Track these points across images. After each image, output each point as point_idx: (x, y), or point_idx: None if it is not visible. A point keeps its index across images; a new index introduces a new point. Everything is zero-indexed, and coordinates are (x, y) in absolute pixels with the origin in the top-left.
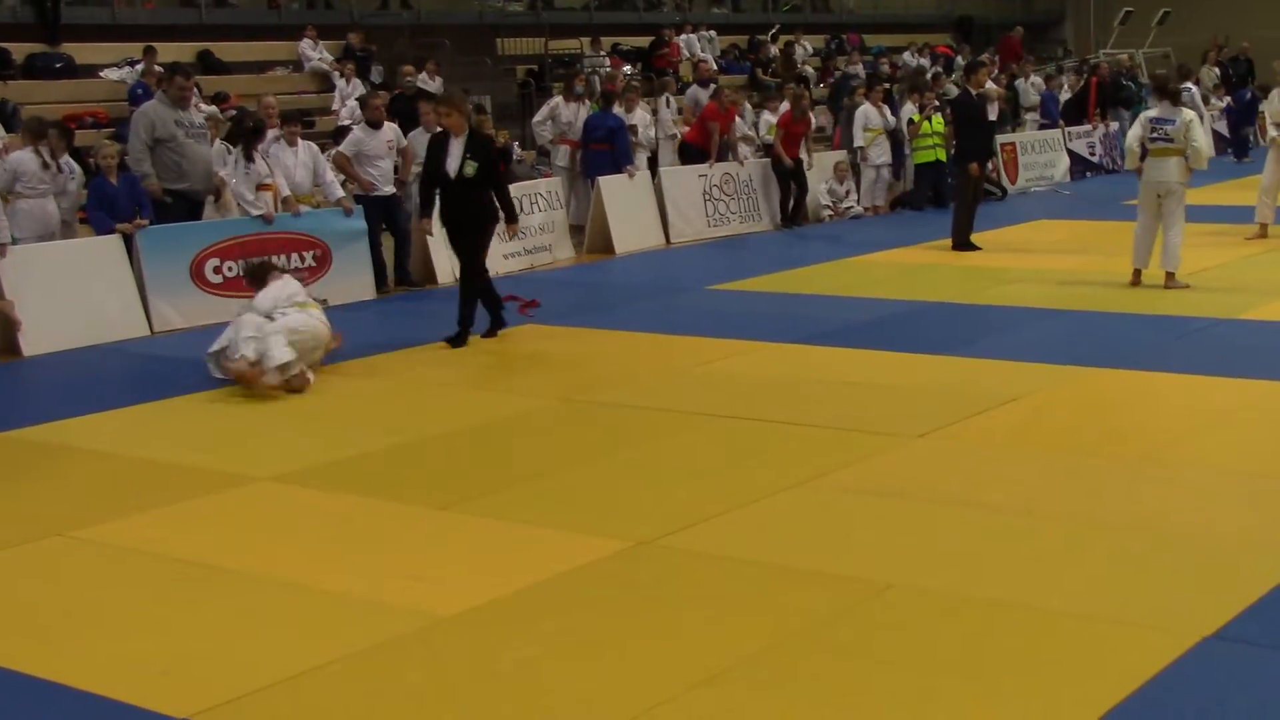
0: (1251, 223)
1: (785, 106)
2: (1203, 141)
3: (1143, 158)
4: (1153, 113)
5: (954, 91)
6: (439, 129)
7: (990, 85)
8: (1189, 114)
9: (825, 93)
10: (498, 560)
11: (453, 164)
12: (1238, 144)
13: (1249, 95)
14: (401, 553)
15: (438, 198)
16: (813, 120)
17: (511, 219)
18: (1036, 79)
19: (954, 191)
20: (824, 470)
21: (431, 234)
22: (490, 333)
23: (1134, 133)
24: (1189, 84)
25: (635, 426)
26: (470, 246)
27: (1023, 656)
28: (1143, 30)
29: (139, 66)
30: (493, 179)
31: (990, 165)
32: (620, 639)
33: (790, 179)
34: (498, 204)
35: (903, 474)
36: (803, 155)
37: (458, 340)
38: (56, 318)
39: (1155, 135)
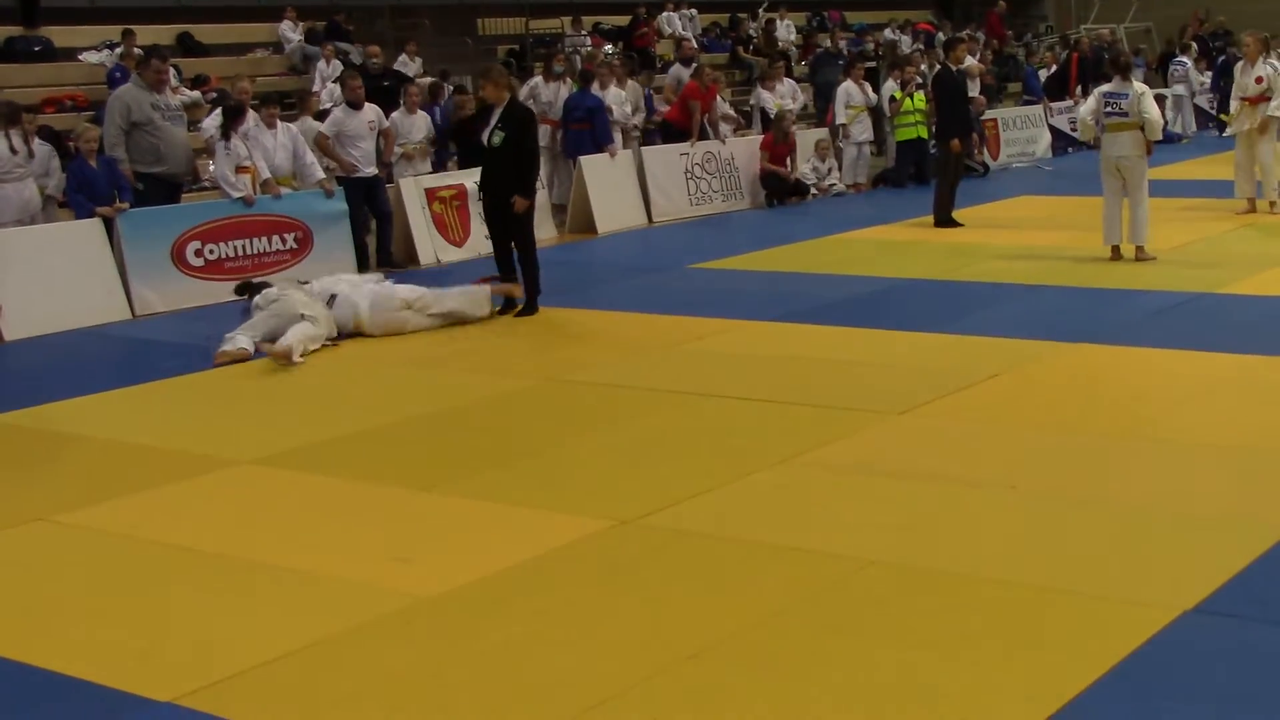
0: (1229, 197)
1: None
2: (1154, 113)
3: (1101, 132)
4: (1107, 87)
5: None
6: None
7: (971, 61)
8: (1140, 87)
9: (806, 70)
10: (480, 541)
11: (486, 133)
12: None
13: (1222, 60)
14: (384, 534)
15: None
16: (795, 139)
17: (522, 192)
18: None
19: (935, 168)
20: (805, 448)
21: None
22: (522, 313)
23: (1088, 106)
24: (1183, 58)
25: (617, 405)
26: (516, 220)
27: (1005, 632)
28: (1124, 5)
29: (118, 50)
30: (519, 150)
31: (974, 141)
32: (603, 617)
33: (789, 193)
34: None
35: (884, 451)
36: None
37: (529, 309)
38: (37, 302)
39: (1110, 110)
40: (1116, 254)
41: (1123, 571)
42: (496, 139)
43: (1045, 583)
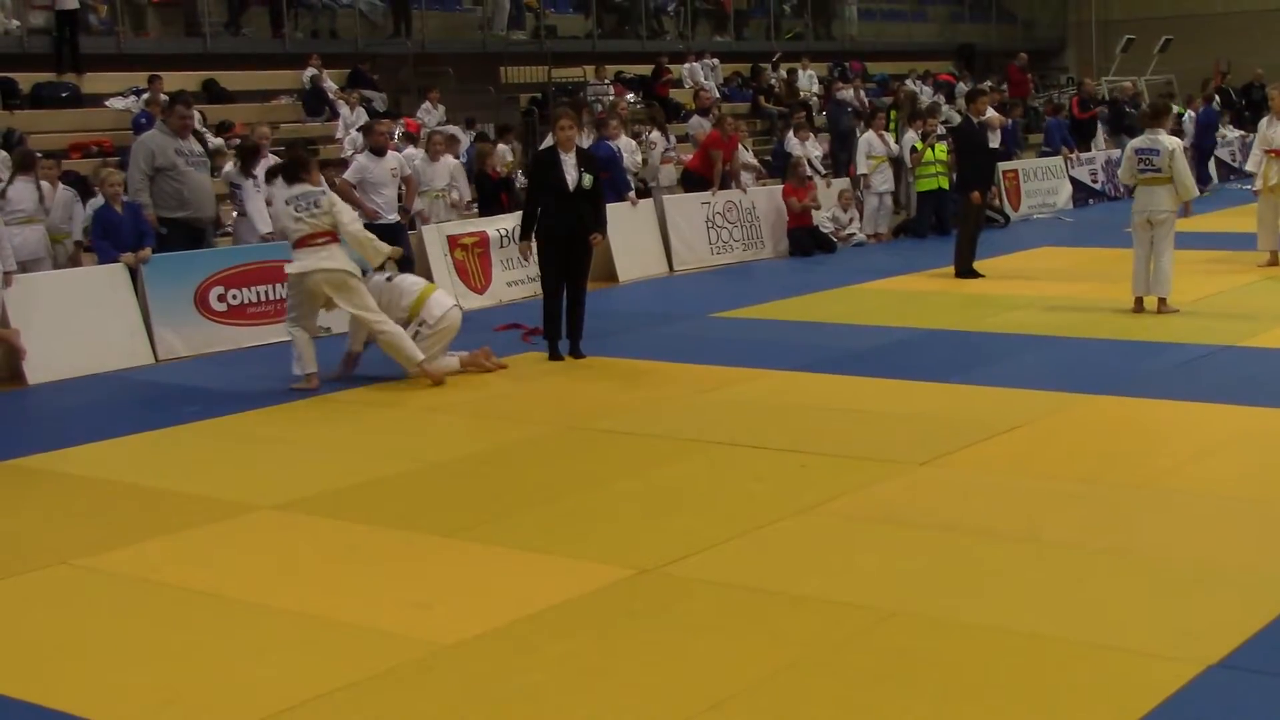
0: (1252, 250)
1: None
2: (1184, 172)
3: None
4: (1138, 143)
5: (956, 119)
6: (549, 145)
7: (992, 113)
8: (1172, 143)
9: (825, 120)
10: (501, 587)
11: (570, 175)
12: None
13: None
14: (404, 580)
15: (547, 213)
16: (814, 182)
17: (601, 230)
18: None
19: (957, 219)
20: (826, 497)
21: (528, 258)
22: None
23: (1124, 168)
24: (1190, 110)
25: (638, 454)
26: (580, 261)
27: (1027, 684)
28: (1145, 57)
29: (144, 96)
30: (601, 191)
31: (992, 192)
32: (624, 666)
33: (817, 248)
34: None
35: (905, 501)
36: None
37: (577, 352)
38: (61, 346)
39: (1143, 166)
40: (1140, 306)
41: (1146, 625)
42: (587, 181)
43: (1069, 635)
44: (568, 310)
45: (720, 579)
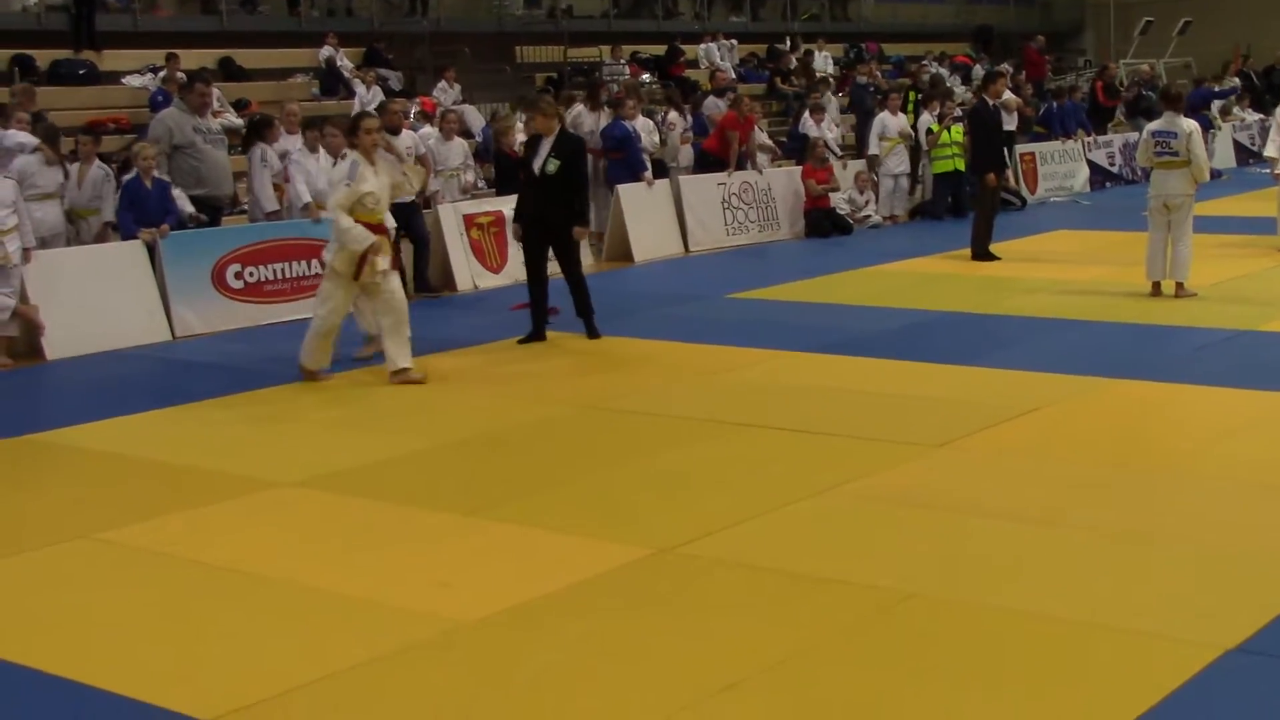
0: (1270, 234)
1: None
2: (1202, 154)
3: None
4: (1156, 125)
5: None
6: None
7: (1009, 95)
8: (1189, 126)
9: (845, 101)
10: (520, 566)
11: (538, 162)
12: None
13: None
14: (425, 558)
15: (522, 197)
16: (832, 164)
17: (581, 221)
18: None
19: (973, 201)
20: (844, 479)
21: (518, 238)
22: (527, 340)
23: (1141, 151)
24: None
25: (655, 434)
26: (563, 251)
27: (1044, 667)
28: (1164, 40)
29: (162, 74)
30: (573, 178)
31: (1007, 174)
32: (642, 646)
33: (834, 229)
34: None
35: (923, 483)
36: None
37: (533, 338)
38: (79, 322)
39: (1160, 149)
40: (1157, 290)
41: (1165, 608)
42: (551, 167)
43: (1086, 618)
44: (571, 294)
45: (737, 559)
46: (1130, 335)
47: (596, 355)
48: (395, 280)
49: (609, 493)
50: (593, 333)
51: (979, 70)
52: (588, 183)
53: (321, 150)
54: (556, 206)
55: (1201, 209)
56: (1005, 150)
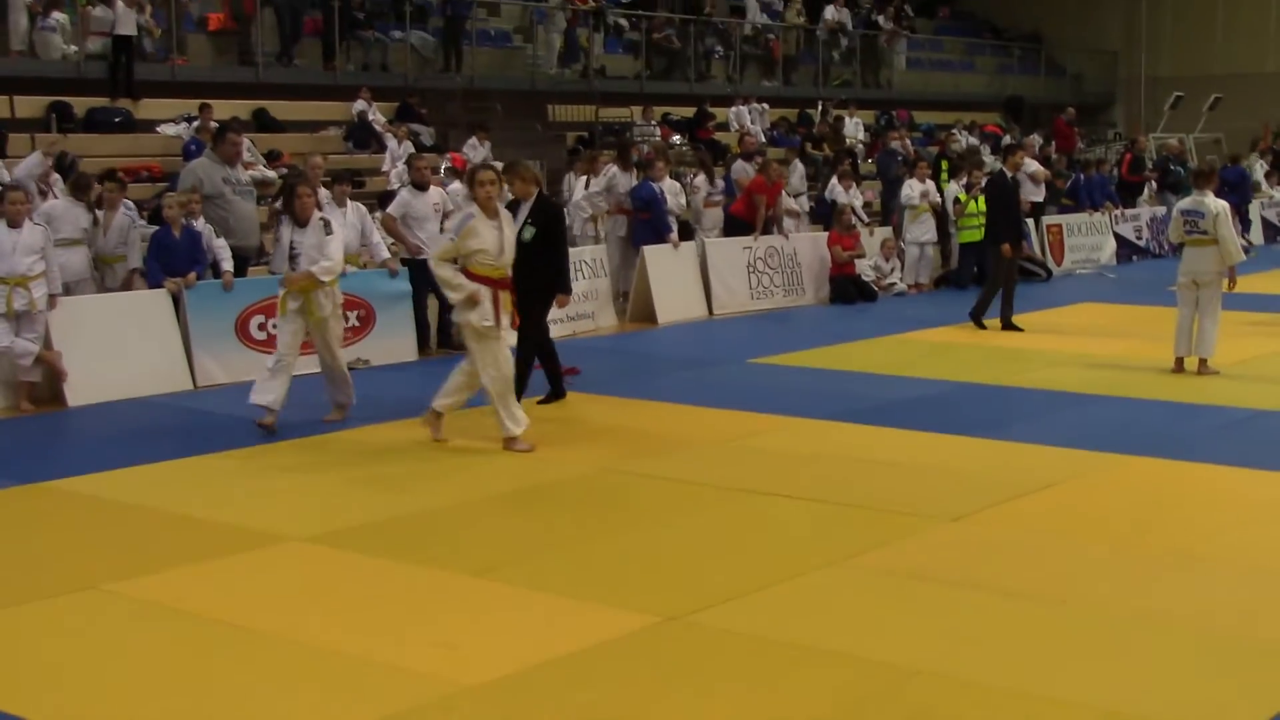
0: None
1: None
2: (1228, 236)
3: (1180, 247)
4: (1185, 204)
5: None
6: (509, 199)
7: (1037, 166)
8: (1216, 206)
9: (872, 168)
10: (527, 630)
11: (515, 229)
12: None
13: None
14: (431, 619)
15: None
16: (859, 231)
17: (563, 289)
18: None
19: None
20: (856, 551)
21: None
22: (548, 400)
23: (1172, 227)
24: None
25: (670, 499)
26: (531, 313)
27: None
28: (1194, 115)
29: (195, 123)
30: (551, 245)
31: (1026, 246)
32: (646, 715)
33: (858, 296)
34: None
35: (935, 557)
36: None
37: (553, 397)
38: (102, 369)
39: (1189, 228)
40: (1180, 366)
41: (1174, 694)
42: (527, 234)
43: (1092, 702)
44: (541, 358)
45: (746, 630)
46: (1151, 412)
47: (614, 417)
48: (503, 342)
49: (620, 557)
50: (559, 393)
51: (1008, 140)
52: (567, 250)
53: (349, 204)
54: (534, 274)
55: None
56: (1033, 221)
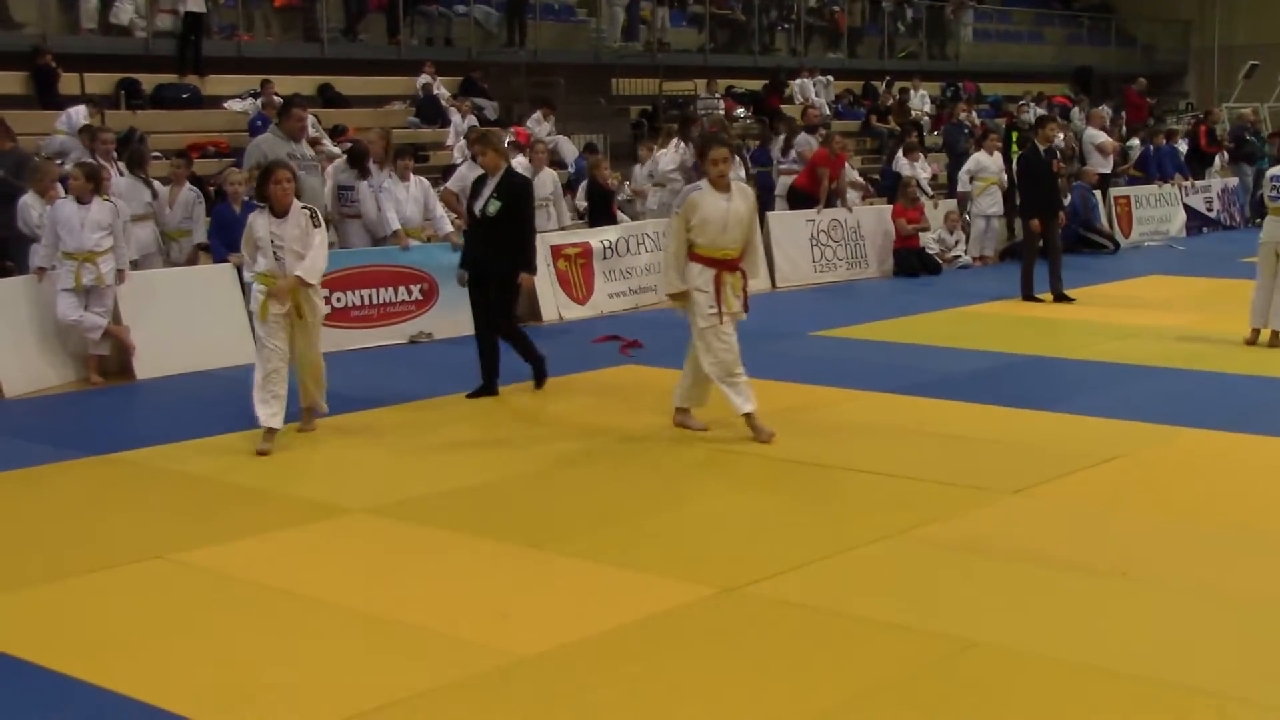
0: None
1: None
2: None
3: (1262, 215)
4: (1276, 170)
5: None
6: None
7: (1106, 138)
8: None
9: (939, 140)
10: (582, 601)
11: (479, 203)
12: None
13: None
14: (489, 589)
15: (467, 241)
16: (923, 203)
17: (526, 268)
18: None
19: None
20: (916, 523)
21: (463, 284)
22: (538, 384)
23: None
24: None
25: (730, 470)
26: (496, 296)
27: None
28: (1269, 84)
29: (261, 99)
30: (517, 221)
31: (1061, 218)
32: (701, 686)
33: (922, 269)
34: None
35: (995, 530)
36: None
37: (483, 392)
38: (169, 342)
39: (1274, 194)
40: (1255, 337)
41: (1234, 667)
42: (492, 208)
43: (1153, 675)
44: (514, 348)
45: (802, 601)
46: (1218, 384)
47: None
48: (722, 326)
49: (677, 529)
50: (540, 381)
51: (1077, 112)
52: (534, 226)
53: (412, 178)
54: (498, 251)
55: None
56: (1100, 193)
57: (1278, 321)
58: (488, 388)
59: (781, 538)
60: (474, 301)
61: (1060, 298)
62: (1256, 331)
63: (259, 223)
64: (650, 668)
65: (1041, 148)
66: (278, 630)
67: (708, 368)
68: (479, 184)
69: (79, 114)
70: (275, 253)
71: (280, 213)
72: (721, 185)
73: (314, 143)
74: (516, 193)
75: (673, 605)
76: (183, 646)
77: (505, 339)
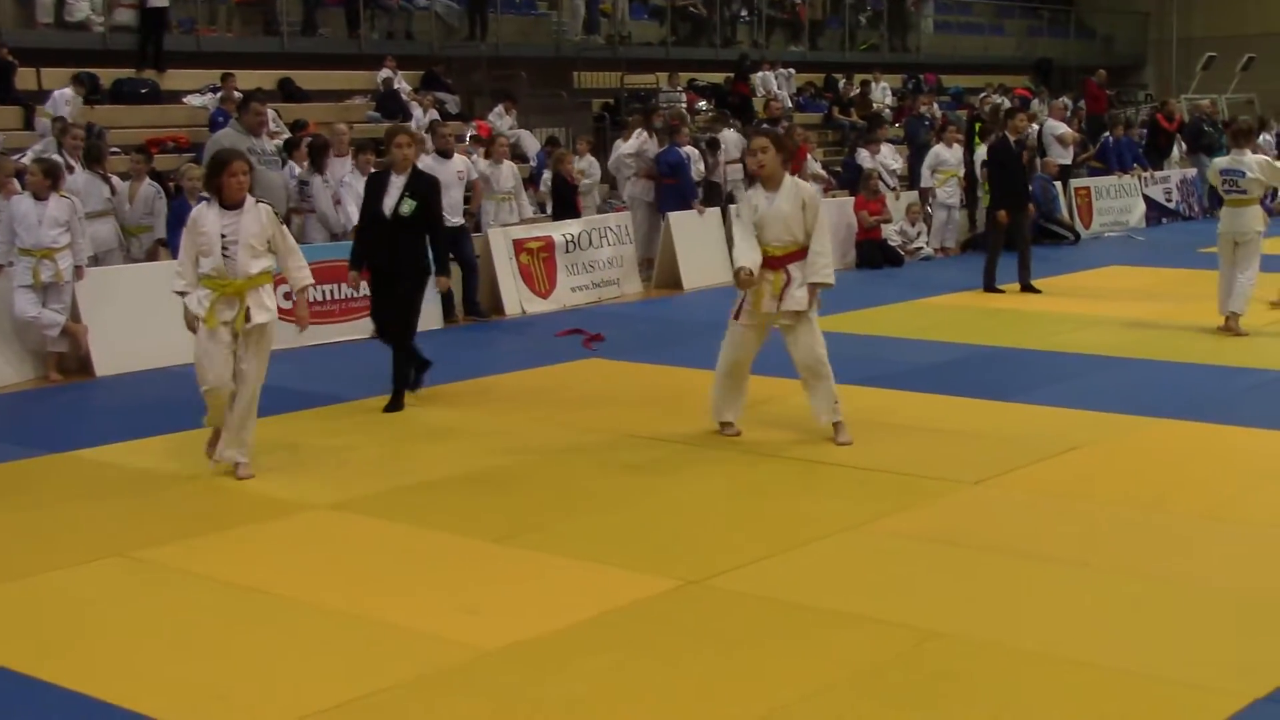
0: None
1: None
2: (1275, 171)
3: (1219, 206)
4: (1223, 163)
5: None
6: (375, 168)
7: (1065, 129)
8: (1254, 159)
9: (900, 132)
10: (548, 595)
11: (389, 202)
12: None
13: None
14: (453, 584)
15: (374, 242)
16: (885, 195)
17: (439, 270)
18: None
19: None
20: (878, 514)
21: (356, 289)
22: (412, 388)
23: (1212, 181)
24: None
25: (691, 464)
26: (405, 300)
27: (1070, 712)
28: (1226, 76)
29: (220, 93)
30: (429, 222)
31: (1030, 210)
32: (667, 680)
33: (884, 262)
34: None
35: (957, 521)
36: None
37: (395, 405)
38: (129, 339)
39: (1228, 188)
40: (1227, 326)
41: (1194, 655)
42: (406, 208)
43: (1113, 663)
44: (393, 358)
45: (765, 593)
46: (1178, 374)
47: (638, 383)
48: (806, 326)
49: (640, 522)
50: (396, 405)
51: (1037, 104)
52: (443, 226)
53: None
54: (412, 253)
55: (1267, 246)
56: (1061, 184)
57: (1234, 303)
58: (396, 403)
59: (745, 530)
60: (379, 306)
61: (1027, 288)
62: (1227, 319)
63: (208, 216)
64: (615, 660)
65: (1012, 139)
66: (242, 627)
67: (804, 371)
68: (378, 182)
69: (64, 96)
70: (225, 249)
71: (232, 206)
72: (764, 178)
73: (273, 137)
74: (429, 191)
75: (637, 598)
76: (145, 645)
77: (399, 346)
